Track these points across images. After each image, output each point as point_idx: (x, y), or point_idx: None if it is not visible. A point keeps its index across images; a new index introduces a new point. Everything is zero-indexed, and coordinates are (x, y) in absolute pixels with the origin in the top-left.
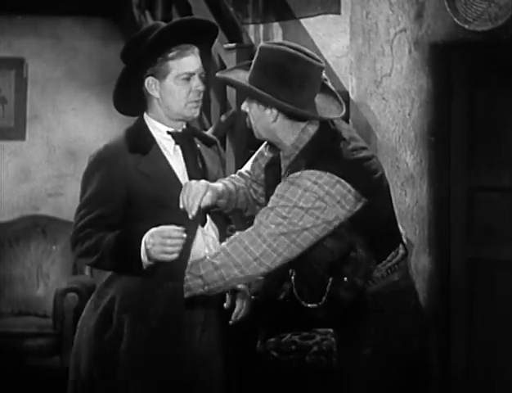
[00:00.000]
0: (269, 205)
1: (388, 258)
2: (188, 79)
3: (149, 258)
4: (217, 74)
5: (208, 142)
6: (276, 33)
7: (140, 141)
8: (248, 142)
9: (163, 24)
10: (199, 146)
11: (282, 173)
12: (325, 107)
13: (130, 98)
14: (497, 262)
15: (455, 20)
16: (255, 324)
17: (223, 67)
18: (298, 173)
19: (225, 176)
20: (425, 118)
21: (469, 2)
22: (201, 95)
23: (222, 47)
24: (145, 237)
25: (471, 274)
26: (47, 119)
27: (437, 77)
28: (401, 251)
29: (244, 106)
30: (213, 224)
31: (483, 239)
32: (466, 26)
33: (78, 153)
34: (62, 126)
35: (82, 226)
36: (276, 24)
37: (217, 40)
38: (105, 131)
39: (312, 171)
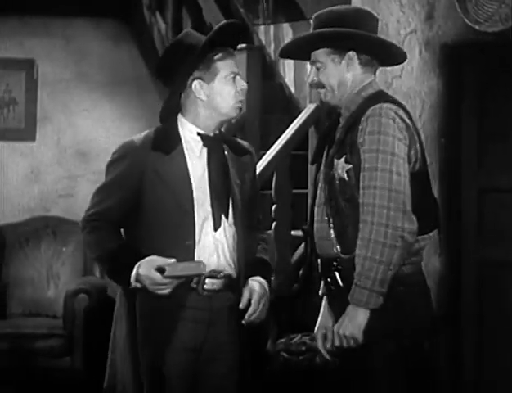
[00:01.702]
0: (367, 146)
1: (418, 238)
2: (234, 79)
3: (139, 282)
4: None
5: (238, 152)
6: (287, 34)
7: (166, 140)
8: (259, 143)
9: (195, 32)
10: (226, 153)
11: (340, 126)
12: None
13: (172, 107)
14: (508, 263)
15: (466, 20)
16: (266, 325)
17: None
18: (378, 106)
19: (256, 187)
20: (436, 119)
21: (479, 3)
22: (244, 95)
23: None
24: (139, 268)
25: (482, 275)
26: (57, 120)
27: (447, 78)
28: (422, 243)
29: (312, 75)
30: (230, 230)
31: (494, 240)
32: (477, 27)
33: (88, 154)
34: (73, 127)
35: (91, 214)
36: (286, 25)
37: None
38: (116, 132)
39: (389, 104)
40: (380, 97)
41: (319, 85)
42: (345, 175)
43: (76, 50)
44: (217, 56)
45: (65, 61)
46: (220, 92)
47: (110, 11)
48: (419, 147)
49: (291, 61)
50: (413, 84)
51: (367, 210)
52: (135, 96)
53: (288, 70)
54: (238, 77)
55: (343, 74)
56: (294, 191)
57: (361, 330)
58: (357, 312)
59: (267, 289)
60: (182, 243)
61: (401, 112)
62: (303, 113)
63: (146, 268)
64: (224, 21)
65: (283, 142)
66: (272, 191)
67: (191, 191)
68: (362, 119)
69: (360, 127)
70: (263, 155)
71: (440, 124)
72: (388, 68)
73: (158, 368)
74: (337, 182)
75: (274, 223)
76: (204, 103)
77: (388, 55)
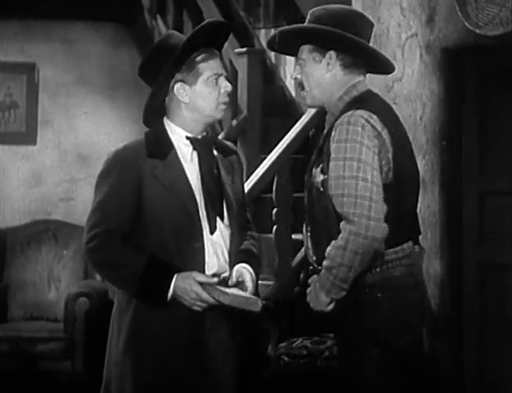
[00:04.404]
0: (334, 155)
1: (396, 249)
2: (217, 81)
3: (176, 295)
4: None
5: (225, 152)
6: None
7: (159, 145)
8: (260, 147)
9: (178, 33)
10: (216, 153)
11: (325, 131)
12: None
13: (155, 109)
14: (509, 266)
15: (467, 24)
16: (267, 328)
17: (234, 72)
18: (349, 113)
19: (243, 186)
20: (437, 122)
21: (480, 7)
22: (229, 96)
23: (233, 51)
24: (178, 281)
25: (483, 279)
26: (58, 123)
27: (448, 81)
28: (411, 249)
29: (296, 72)
30: (226, 231)
31: (495, 243)
32: (477, 31)
33: (89, 157)
34: (73, 130)
35: (101, 232)
36: None
37: (228, 44)
38: (117, 135)
39: (361, 111)
40: (359, 101)
41: (301, 85)
42: (320, 185)
43: (77, 53)
44: (199, 58)
45: (66, 65)
46: (202, 94)
47: (110, 15)
48: (392, 157)
49: (292, 64)
50: (414, 87)
51: (342, 217)
52: (135, 99)
53: (288, 73)
54: (222, 78)
55: (323, 74)
56: (295, 194)
57: (326, 304)
58: (320, 293)
59: (254, 277)
60: (191, 246)
61: (373, 120)
62: (303, 116)
63: (188, 282)
64: (205, 21)
65: (284, 146)
66: (273, 195)
67: (193, 195)
68: (334, 126)
69: (331, 136)
70: (264, 158)
71: (441, 127)
72: None
73: (162, 379)
74: (315, 191)
75: (275, 227)
76: (188, 106)
77: (373, 61)
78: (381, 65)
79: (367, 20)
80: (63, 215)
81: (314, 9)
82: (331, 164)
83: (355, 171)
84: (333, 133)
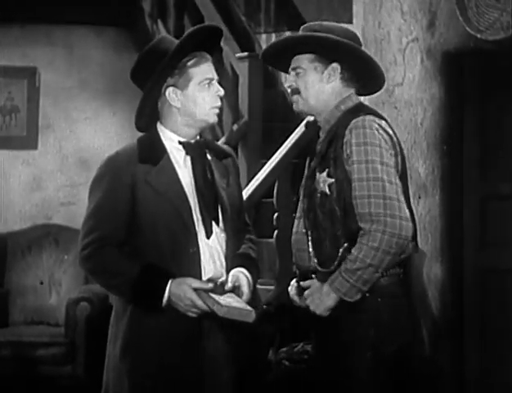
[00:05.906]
0: (355, 157)
1: None
2: (209, 85)
3: (170, 301)
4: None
5: (219, 155)
6: None
7: (151, 151)
8: (260, 152)
9: (170, 38)
10: (209, 157)
11: (321, 139)
12: None
13: (146, 113)
14: (510, 271)
15: (468, 29)
16: (268, 333)
17: (235, 76)
18: (360, 118)
19: (240, 189)
20: (437, 127)
21: (481, 11)
22: (221, 100)
23: (234, 56)
24: (172, 287)
25: (484, 283)
26: (59, 128)
27: (449, 86)
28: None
29: (291, 80)
30: (222, 235)
31: (496, 248)
32: (478, 35)
33: (90, 162)
34: (74, 135)
35: (95, 239)
36: (288, 34)
37: (229, 49)
38: (118, 140)
39: (371, 116)
40: (361, 109)
41: (295, 91)
42: (327, 189)
43: (78, 58)
44: (190, 62)
45: (67, 69)
46: (194, 99)
47: (111, 20)
48: (400, 160)
49: None
50: (414, 92)
51: (365, 219)
52: (136, 104)
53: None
54: (214, 82)
55: (323, 85)
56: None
57: (329, 309)
58: (329, 296)
59: (251, 281)
60: (187, 251)
61: (383, 123)
62: (304, 121)
63: (182, 289)
64: (196, 26)
65: (285, 151)
66: (274, 200)
67: (187, 199)
68: (346, 132)
69: (344, 140)
70: (265, 163)
71: (442, 131)
72: (390, 76)
73: (159, 385)
74: (318, 195)
75: (276, 232)
76: (180, 111)
77: (370, 75)
78: (375, 81)
79: (358, 40)
80: (64, 220)
81: (308, 24)
82: (353, 166)
83: (379, 173)
84: (346, 139)
